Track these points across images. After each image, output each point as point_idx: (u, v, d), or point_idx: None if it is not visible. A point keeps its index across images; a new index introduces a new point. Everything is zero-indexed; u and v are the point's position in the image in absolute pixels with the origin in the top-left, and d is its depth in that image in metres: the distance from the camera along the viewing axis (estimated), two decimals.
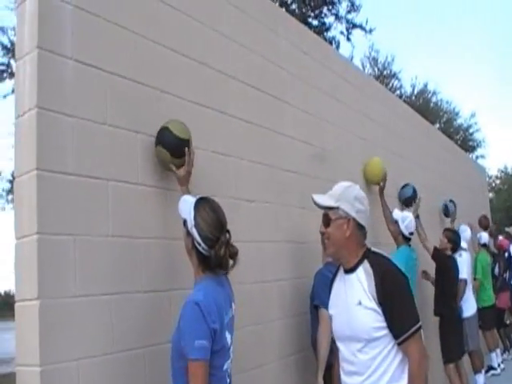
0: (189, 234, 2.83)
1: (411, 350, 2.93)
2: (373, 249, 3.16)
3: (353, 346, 3.03)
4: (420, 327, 2.95)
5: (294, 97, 5.04)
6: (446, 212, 9.05)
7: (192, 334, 2.60)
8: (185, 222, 2.85)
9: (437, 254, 7.23)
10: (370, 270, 3.01)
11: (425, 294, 7.35)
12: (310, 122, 5.32)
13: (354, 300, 3.01)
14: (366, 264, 3.05)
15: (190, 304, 2.66)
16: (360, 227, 3.11)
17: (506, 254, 12.00)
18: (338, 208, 3.11)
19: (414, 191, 7.43)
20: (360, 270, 3.05)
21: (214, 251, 2.77)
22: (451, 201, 9.09)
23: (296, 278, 4.62)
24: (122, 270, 3.06)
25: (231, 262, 2.88)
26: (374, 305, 2.95)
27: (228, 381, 2.89)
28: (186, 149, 3.31)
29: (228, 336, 2.83)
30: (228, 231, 2.87)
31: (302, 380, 4.62)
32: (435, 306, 7.32)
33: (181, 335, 2.65)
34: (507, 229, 13.94)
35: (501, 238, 12.96)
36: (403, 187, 7.48)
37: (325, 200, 3.18)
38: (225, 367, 2.81)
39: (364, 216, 3.13)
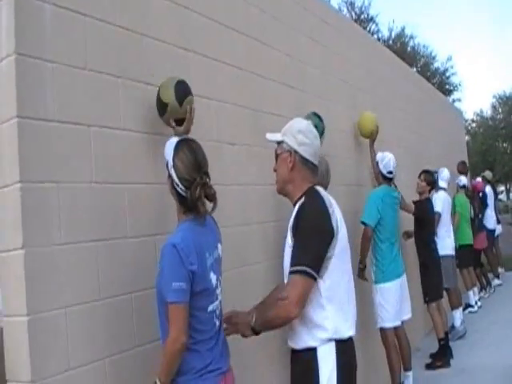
0: (169, 175, 2.85)
1: (285, 288, 2.89)
2: (318, 188, 3.09)
3: None
4: (304, 272, 2.81)
5: (276, 40, 4.98)
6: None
7: (170, 277, 2.62)
8: (167, 164, 2.87)
9: (417, 208, 7.39)
10: (298, 207, 2.99)
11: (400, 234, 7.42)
12: (292, 65, 5.26)
13: (288, 237, 3.02)
14: (301, 201, 3.01)
15: (167, 246, 2.67)
16: (304, 161, 3.07)
17: (481, 195, 12.15)
18: (282, 142, 3.11)
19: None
20: (296, 207, 3.02)
21: (189, 192, 2.77)
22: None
23: (279, 221, 4.60)
24: (107, 216, 3.01)
25: (210, 204, 2.88)
26: (290, 239, 2.96)
27: (217, 323, 2.88)
28: (188, 107, 3.25)
29: (213, 277, 2.83)
30: (206, 173, 2.86)
31: None
32: (416, 247, 7.45)
33: (160, 278, 2.68)
34: (483, 173, 14.06)
35: (478, 179, 13.13)
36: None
37: (272, 135, 3.20)
38: (210, 308, 2.80)
39: (308, 149, 3.07)
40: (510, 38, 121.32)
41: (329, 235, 2.91)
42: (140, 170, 3.28)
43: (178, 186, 2.81)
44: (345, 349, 2.94)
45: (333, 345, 2.90)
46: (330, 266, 2.90)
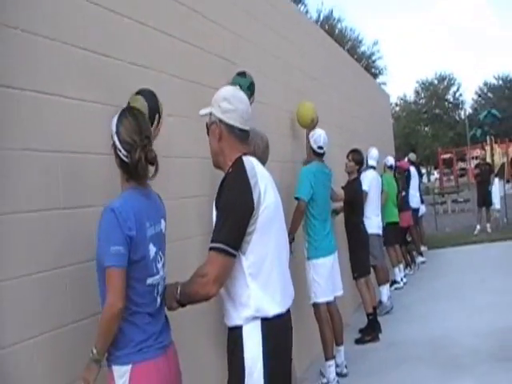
0: (113, 143, 2.81)
1: (203, 264, 2.87)
2: (246, 158, 2.98)
3: None
4: (221, 250, 2.76)
5: (212, 12, 4.90)
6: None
7: (107, 241, 2.59)
8: (111, 133, 2.83)
9: (347, 190, 7.52)
10: (222, 179, 2.95)
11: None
12: (228, 39, 5.20)
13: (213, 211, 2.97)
14: (228, 171, 2.96)
15: (106, 211, 2.65)
16: (231, 128, 2.99)
17: (406, 173, 12.41)
18: (211, 114, 3.05)
19: None
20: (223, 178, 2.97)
21: (130, 155, 2.74)
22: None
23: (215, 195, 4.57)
24: (40, 188, 2.88)
25: (152, 169, 2.83)
26: (215, 213, 2.93)
27: (158, 299, 2.83)
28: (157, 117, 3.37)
29: (152, 249, 2.78)
30: (148, 137, 2.81)
31: None
32: (345, 226, 7.57)
33: (98, 243, 2.65)
34: (408, 155, 14.40)
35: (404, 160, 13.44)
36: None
37: (203, 110, 3.12)
38: (149, 281, 2.75)
39: (233, 115, 2.98)
40: (434, 26, 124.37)
41: (247, 210, 2.82)
42: (75, 139, 3.16)
43: (120, 151, 2.77)
44: (272, 327, 2.88)
45: (258, 323, 2.86)
46: (252, 241, 2.84)
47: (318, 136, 6.32)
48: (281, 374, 2.96)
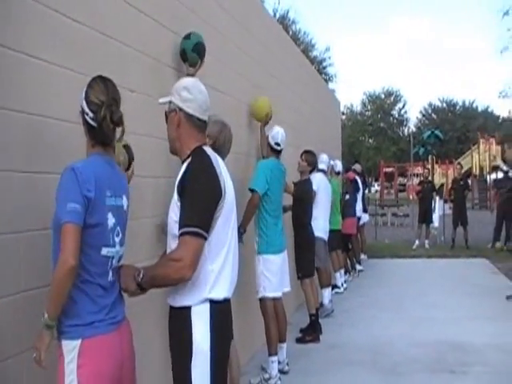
0: (82, 111, 2.78)
1: (176, 248, 2.83)
2: (206, 148, 3.08)
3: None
4: (195, 233, 2.78)
5: None
6: None
7: (65, 198, 2.55)
8: (81, 105, 2.79)
9: (296, 189, 7.41)
10: (185, 166, 2.98)
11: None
12: (193, 21, 5.12)
13: (174, 195, 2.98)
14: (188, 160, 3.00)
15: (66, 170, 2.62)
16: (189, 117, 3.06)
17: (353, 184, 12.51)
18: (170, 102, 3.10)
19: None
20: (183, 166, 3.00)
21: (96, 115, 2.72)
22: None
23: (172, 177, 4.45)
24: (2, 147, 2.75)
25: (118, 130, 2.82)
26: (176, 198, 2.93)
27: (110, 273, 2.75)
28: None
29: (111, 219, 2.74)
30: (115, 99, 2.80)
31: None
32: (293, 226, 7.49)
33: (56, 202, 2.59)
34: (353, 166, 14.46)
35: (357, 165, 13.55)
36: None
37: (163, 98, 3.18)
38: (104, 252, 2.70)
39: (192, 105, 3.05)
40: (386, 40, 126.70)
41: (217, 195, 2.91)
42: (48, 105, 3.07)
43: (87, 114, 2.74)
44: (220, 310, 2.97)
45: (207, 306, 2.91)
46: (216, 226, 2.91)
47: (276, 133, 6.33)
48: (225, 357, 3.08)
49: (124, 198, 2.91)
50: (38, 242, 2.95)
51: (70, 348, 2.58)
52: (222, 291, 2.96)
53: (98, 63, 3.60)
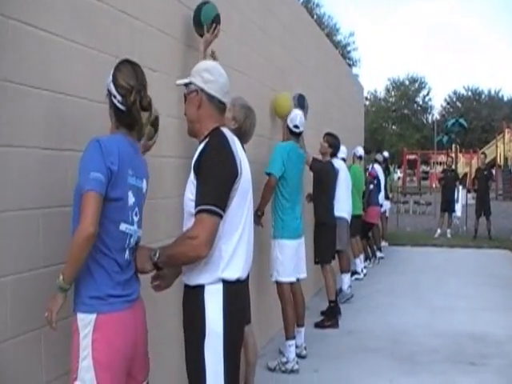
0: (108, 92, 2.81)
1: (192, 226, 2.81)
2: (224, 129, 3.07)
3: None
4: (211, 212, 2.77)
5: None
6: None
7: (88, 167, 2.58)
8: (107, 83, 2.82)
9: (314, 165, 7.27)
10: (202, 145, 2.98)
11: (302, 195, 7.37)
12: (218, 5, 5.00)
13: (191, 175, 2.99)
14: (206, 140, 2.99)
15: (91, 142, 2.65)
16: (211, 98, 3.06)
17: (376, 181, 12.44)
18: (190, 83, 3.11)
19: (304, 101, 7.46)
20: (200, 146, 3.00)
21: (125, 99, 2.76)
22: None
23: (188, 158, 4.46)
24: (21, 123, 2.74)
25: (146, 116, 2.85)
26: (192, 177, 2.94)
27: (127, 251, 2.78)
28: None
29: (131, 197, 2.78)
30: (144, 85, 2.84)
31: None
32: (314, 209, 7.44)
33: (79, 172, 2.62)
34: (375, 157, 14.33)
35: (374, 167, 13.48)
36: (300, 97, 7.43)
37: (181, 81, 3.22)
38: (122, 227, 2.72)
39: (214, 86, 3.06)
40: (410, 27, 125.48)
41: (233, 174, 2.91)
42: (60, 79, 3.03)
43: (115, 97, 2.77)
44: (234, 290, 2.96)
45: (220, 285, 2.92)
46: (231, 205, 2.91)
47: (295, 115, 6.35)
48: (238, 338, 3.07)
49: (144, 181, 2.94)
50: (55, 219, 2.95)
51: (86, 322, 2.60)
52: (235, 271, 2.96)
53: (120, 42, 3.59)
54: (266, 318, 6.29)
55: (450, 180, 17.06)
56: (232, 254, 2.94)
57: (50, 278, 2.82)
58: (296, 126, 6.28)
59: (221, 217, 2.81)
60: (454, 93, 66.06)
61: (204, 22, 4.44)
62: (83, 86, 3.21)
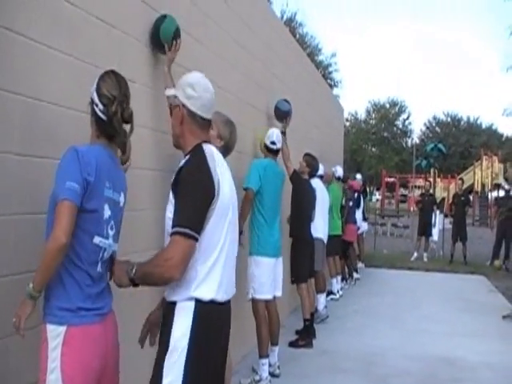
0: (91, 100, 2.83)
1: (168, 247, 2.75)
2: (206, 145, 2.99)
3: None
4: (186, 234, 2.71)
5: None
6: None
7: (64, 176, 2.56)
8: (91, 92, 2.84)
9: (295, 177, 7.26)
10: (183, 162, 2.94)
11: (282, 217, 7.33)
12: (194, 17, 5.06)
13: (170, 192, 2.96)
14: (187, 157, 2.96)
15: (69, 150, 2.64)
16: (192, 114, 3.01)
17: (356, 195, 12.49)
18: (175, 96, 3.07)
19: (290, 109, 7.50)
20: (182, 162, 2.96)
21: (107, 108, 2.77)
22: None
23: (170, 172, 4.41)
24: None
25: (127, 127, 2.87)
26: (171, 195, 2.90)
27: (99, 265, 2.75)
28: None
29: (107, 210, 2.75)
30: (126, 95, 2.84)
31: None
32: (290, 227, 7.41)
33: (55, 181, 2.59)
34: (354, 176, 14.40)
35: (358, 176, 13.50)
36: (284, 100, 7.51)
37: (169, 91, 3.35)
38: (96, 240, 2.69)
39: (196, 102, 3.00)
40: (391, 49, 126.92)
41: (209, 194, 2.84)
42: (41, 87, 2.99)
43: (97, 106, 2.79)
44: (206, 310, 2.86)
45: (192, 304, 2.84)
46: (207, 226, 2.84)
47: (271, 132, 6.42)
48: (205, 360, 2.89)
49: (122, 195, 2.92)
50: (29, 226, 2.90)
51: (55, 334, 2.57)
52: (208, 291, 2.87)
53: (97, 51, 3.56)
54: (240, 335, 6.20)
55: (427, 204, 17.13)
56: (207, 273, 2.86)
57: (18, 285, 2.76)
58: (273, 143, 6.32)
59: (196, 240, 2.76)
60: (434, 118, 66.84)
61: (164, 42, 4.31)
62: (61, 93, 3.17)
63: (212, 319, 2.91)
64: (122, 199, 2.91)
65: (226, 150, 4.35)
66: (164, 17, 4.33)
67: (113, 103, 2.75)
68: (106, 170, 2.73)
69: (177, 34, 4.35)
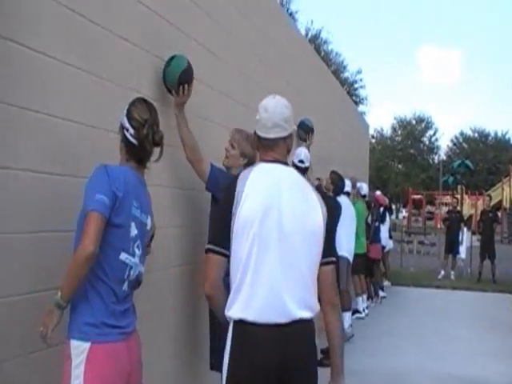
0: (121, 125, 2.90)
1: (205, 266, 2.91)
2: (255, 165, 3.05)
3: None
4: (208, 249, 2.86)
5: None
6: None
7: (94, 189, 2.61)
8: (121, 117, 2.91)
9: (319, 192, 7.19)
10: None
11: None
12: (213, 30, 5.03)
13: None
14: None
15: (98, 167, 2.71)
16: (258, 137, 3.05)
17: (382, 209, 12.38)
18: None
19: (312, 126, 7.78)
20: None
21: (138, 132, 2.83)
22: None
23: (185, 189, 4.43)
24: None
25: (157, 151, 2.94)
26: None
27: (125, 283, 2.77)
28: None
29: (134, 229, 2.79)
30: (156, 122, 2.93)
31: (188, 290, 4.49)
32: None
33: (84, 196, 2.64)
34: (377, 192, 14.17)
35: (378, 193, 13.35)
36: (306, 119, 7.73)
37: None
38: (123, 257, 2.75)
39: (258, 125, 3.02)
40: (417, 66, 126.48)
41: (225, 211, 2.86)
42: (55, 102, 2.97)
43: (127, 130, 2.85)
44: (241, 331, 2.81)
45: (232, 322, 2.84)
46: (232, 244, 2.85)
47: (300, 151, 6.63)
48: (238, 380, 2.82)
49: (149, 218, 2.98)
50: (48, 244, 2.89)
51: (79, 351, 2.58)
52: (236, 311, 2.80)
53: (112, 66, 3.52)
54: None
55: (454, 221, 16.92)
56: (236, 293, 2.82)
57: (38, 303, 2.76)
58: (301, 161, 6.45)
59: (218, 253, 2.84)
60: (461, 134, 66.28)
61: (171, 87, 4.08)
62: (76, 110, 3.15)
63: (247, 339, 2.81)
64: (149, 222, 2.96)
65: (248, 165, 4.32)
66: (171, 58, 4.07)
67: (144, 126, 2.83)
68: (134, 190, 2.80)
69: (184, 78, 4.05)
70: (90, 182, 2.67)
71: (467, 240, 17.62)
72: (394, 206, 57.08)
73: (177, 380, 4.09)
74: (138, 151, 2.86)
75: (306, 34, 35.81)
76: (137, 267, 2.82)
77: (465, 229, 17.48)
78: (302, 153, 6.61)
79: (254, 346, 2.82)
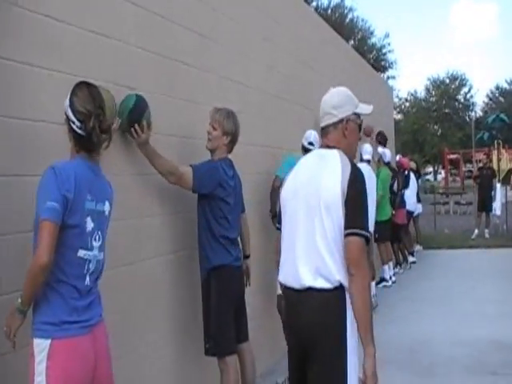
0: (66, 117, 2.83)
1: None
2: (309, 153, 3.52)
3: None
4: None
5: None
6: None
7: (44, 197, 2.62)
8: (65, 107, 2.83)
9: None
10: None
11: None
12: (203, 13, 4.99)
13: None
14: None
15: (47, 170, 2.69)
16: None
17: (406, 173, 12.22)
18: None
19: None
20: None
21: (84, 125, 2.76)
22: None
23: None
24: None
25: (105, 139, 2.87)
26: None
27: (87, 277, 2.79)
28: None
29: (90, 223, 2.79)
30: (101, 108, 2.83)
31: (182, 277, 4.53)
32: None
33: (37, 201, 2.65)
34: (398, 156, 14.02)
35: (400, 157, 13.18)
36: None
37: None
38: (80, 254, 2.75)
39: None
40: (449, 23, 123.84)
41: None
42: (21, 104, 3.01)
43: (73, 123, 2.79)
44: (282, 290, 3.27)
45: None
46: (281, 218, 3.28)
47: (309, 134, 6.75)
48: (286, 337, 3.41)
49: (107, 203, 2.96)
50: (21, 245, 2.95)
51: (41, 348, 2.63)
52: (281, 277, 3.23)
53: (88, 64, 3.55)
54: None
55: (485, 178, 16.66)
56: (283, 261, 3.22)
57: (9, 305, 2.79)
58: (311, 143, 6.58)
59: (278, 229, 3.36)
60: (497, 88, 64.71)
61: (125, 130, 3.84)
62: (48, 110, 3.20)
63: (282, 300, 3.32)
64: (106, 208, 2.95)
65: (232, 142, 4.38)
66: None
67: (89, 118, 2.76)
68: (87, 184, 2.78)
69: (136, 118, 3.78)
70: (39, 188, 2.66)
71: (502, 196, 17.28)
72: (431, 168, 56.41)
73: (172, 365, 4.14)
74: (87, 142, 2.79)
75: (329, 3, 35.22)
76: (95, 258, 2.84)
77: (498, 185, 17.15)
78: (311, 135, 6.69)
79: (285, 306, 3.27)
